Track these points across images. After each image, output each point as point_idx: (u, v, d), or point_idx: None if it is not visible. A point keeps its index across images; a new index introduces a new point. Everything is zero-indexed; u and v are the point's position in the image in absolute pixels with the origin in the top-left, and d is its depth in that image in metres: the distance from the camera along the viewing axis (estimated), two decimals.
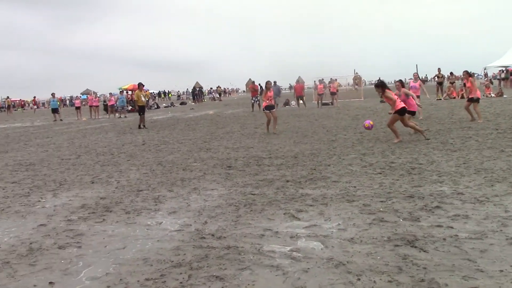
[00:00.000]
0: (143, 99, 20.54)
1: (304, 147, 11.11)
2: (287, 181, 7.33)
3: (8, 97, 62.54)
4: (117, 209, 6.24)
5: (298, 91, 31.36)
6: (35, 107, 64.13)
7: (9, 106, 57.83)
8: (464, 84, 17.17)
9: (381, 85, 11.46)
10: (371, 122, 11.78)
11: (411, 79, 16.88)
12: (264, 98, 15.22)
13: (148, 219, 5.65)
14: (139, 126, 19.95)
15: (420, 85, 17.25)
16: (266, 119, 15.14)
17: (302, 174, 7.79)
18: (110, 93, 37.09)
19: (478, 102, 14.45)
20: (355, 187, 6.66)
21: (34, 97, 68.68)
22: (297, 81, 34.49)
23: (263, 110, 15.37)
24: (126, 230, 5.26)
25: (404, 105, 10.99)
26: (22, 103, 73.54)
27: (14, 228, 5.62)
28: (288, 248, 4.36)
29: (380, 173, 7.48)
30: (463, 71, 15.84)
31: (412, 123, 11.40)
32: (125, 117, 31.19)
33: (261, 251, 4.34)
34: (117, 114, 32.81)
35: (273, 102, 15.58)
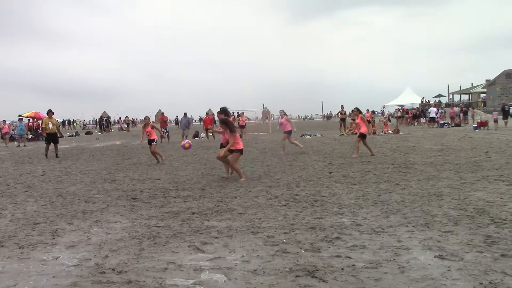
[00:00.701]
0: (50, 126, 19.36)
1: (211, 179, 11.12)
2: (193, 213, 7.28)
3: None
4: (9, 243, 5.84)
5: (207, 123, 31.49)
6: None
7: None
8: (353, 119, 18.40)
9: (223, 112, 11.62)
10: (190, 142, 13.78)
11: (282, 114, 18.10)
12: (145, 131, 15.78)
13: (44, 254, 5.35)
14: (46, 154, 19.19)
15: (288, 121, 18.26)
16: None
17: (209, 206, 7.78)
18: (4, 120, 34.65)
19: (365, 138, 15.42)
20: (260, 219, 6.75)
21: None
22: (207, 113, 34.57)
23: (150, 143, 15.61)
24: (18, 266, 4.93)
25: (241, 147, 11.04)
26: None
27: None
28: (191, 281, 4.31)
29: (285, 205, 7.65)
30: (354, 108, 17.02)
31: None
32: (25, 145, 29.54)
33: (163, 285, 4.24)
34: (15, 143, 31.01)
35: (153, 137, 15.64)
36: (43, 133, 18.99)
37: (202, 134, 33.48)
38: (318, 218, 6.63)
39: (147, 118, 16.13)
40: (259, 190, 9.29)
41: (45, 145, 19.57)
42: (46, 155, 19.24)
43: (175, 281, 4.32)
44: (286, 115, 18.61)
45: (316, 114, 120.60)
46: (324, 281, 4.20)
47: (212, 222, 6.66)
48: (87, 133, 52.56)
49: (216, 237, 5.81)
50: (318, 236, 5.67)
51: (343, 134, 30.19)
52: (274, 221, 6.57)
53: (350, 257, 4.83)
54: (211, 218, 6.89)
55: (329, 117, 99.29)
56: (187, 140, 12.38)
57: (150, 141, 15.46)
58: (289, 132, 17.76)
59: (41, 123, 23.23)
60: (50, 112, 19.80)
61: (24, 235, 6.22)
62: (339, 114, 33.38)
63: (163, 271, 4.61)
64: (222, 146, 11.84)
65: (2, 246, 5.71)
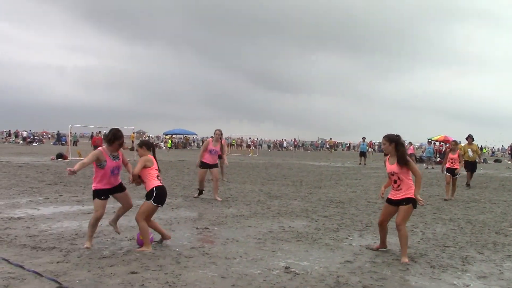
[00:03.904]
0: (470, 154, 16.87)
1: None
2: None
3: (330, 138, 69.87)
4: (421, 260, 6.09)
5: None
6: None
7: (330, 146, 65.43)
8: None
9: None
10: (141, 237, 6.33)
11: None
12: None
13: (454, 279, 5.33)
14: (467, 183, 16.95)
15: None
16: None
17: None
18: (410, 142, 36.17)
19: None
20: None
21: (330, 138, 74.07)
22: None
23: None
24: (429, 284, 5.07)
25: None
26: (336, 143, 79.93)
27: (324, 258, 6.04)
28: None
29: None
30: None
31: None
32: (432, 168, 30.46)
33: None
34: (424, 165, 32.41)
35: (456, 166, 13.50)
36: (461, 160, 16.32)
37: None
38: None
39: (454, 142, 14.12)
40: None
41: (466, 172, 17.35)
42: (467, 184, 17.00)
43: None
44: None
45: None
46: None
47: None
48: (496, 160, 50.21)
49: None
50: None
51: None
52: None
53: None
54: None
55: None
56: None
57: None
58: None
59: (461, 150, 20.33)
60: (470, 138, 17.19)
61: (435, 256, 6.36)
62: None
63: None
64: None
65: (415, 262, 6.00)
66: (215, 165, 11.41)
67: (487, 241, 7.49)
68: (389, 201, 6.32)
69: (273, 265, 5.60)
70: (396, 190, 6.22)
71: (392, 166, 6.21)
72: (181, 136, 64.95)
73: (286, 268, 5.49)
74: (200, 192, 11.51)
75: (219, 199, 11.11)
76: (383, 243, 6.59)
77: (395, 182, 6.20)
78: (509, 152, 57.42)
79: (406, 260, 5.93)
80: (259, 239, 7.05)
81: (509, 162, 48.61)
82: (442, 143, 41.82)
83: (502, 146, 79.10)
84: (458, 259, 6.25)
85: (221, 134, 11.52)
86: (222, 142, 11.63)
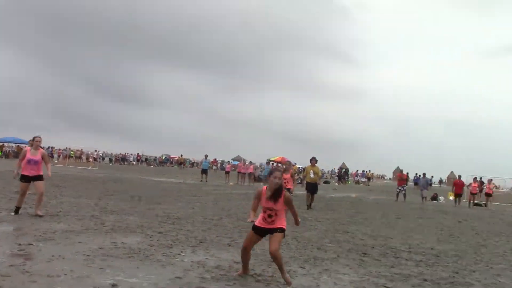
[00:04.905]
0: (311, 175, 17.76)
1: (447, 246, 10.39)
2: (425, 280, 6.89)
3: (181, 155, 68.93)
4: (248, 275, 6.36)
5: (458, 187, 28.97)
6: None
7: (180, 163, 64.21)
8: None
9: None
10: None
11: None
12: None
13: None
14: (307, 205, 17.26)
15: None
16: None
17: (442, 276, 7.27)
18: (250, 162, 38.10)
19: None
20: None
21: (181, 155, 73.89)
22: (459, 177, 31.25)
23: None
24: None
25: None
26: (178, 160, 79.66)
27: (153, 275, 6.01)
28: None
29: None
30: None
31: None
32: None
33: None
34: (261, 183, 33.99)
35: (289, 186, 13.88)
36: (303, 181, 17.45)
37: (442, 198, 31.68)
38: None
39: (287, 162, 14.23)
40: (503, 268, 8.32)
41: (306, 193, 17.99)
42: (308, 205, 17.31)
43: None
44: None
45: None
46: None
47: None
48: (325, 182, 54.46)
49: None
50: None
51: None
52: None
53: None
54: None
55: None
56: None
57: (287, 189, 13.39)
58: None
59: (303, 171, 21.13)
60: (313, 160, 18.09)
61: (261, 271, 6.70)
62: None
63: None
64: None
65: (242, 277, 6.25)
66: (38, 177, 10.42)
67: (309, 256, 8.10)
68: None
69: (99, 283, 5.42)
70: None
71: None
72: (13, 145, 59.85)
73: (113, 285, 5.36)
74: (17, 210, 10.25)
75: (41, 214, 10.17)
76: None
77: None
78: (337, 174, 62.75)
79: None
80: (88, 255, 6.77)
81: (336, 184, 53.16)
82: (279, 164, 44.31)
83: (334, 168, 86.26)
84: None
85: (41, 141, 10.52)
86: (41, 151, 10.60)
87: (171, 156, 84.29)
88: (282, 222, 6.11)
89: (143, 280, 5.70)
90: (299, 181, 32.51)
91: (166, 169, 60.06)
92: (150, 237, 8.65)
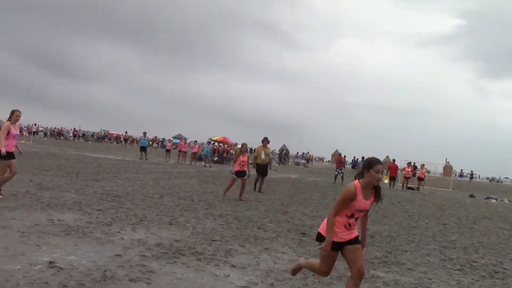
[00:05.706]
0: (262, 156, 17.01)
1: (381, 228, 10.81)
2: None
3: (126, 132, 66.27)
4: (189, 253, 6.38)
5: (392, 171, 29.91)
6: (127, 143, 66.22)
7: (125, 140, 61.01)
8: None
9: None
10: None
11: None
12: (236, 162, 14.11)
13: (217, 270, 5.73)
14: (254, 187, 17.01)
15: None
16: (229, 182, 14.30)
17: (376, 255, 7.58)
18: (195, 141, 39.27)
19: None
20: (430, 279, 6.38)
21: (126, 132, 71.92)
22: (393, 161, 32.31)
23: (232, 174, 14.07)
24: (194, 276, 5.36)
25: None
26: (117, 136, 77.62)
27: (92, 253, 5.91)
28: None
29: (459, 270, 7.12)
30: None
31: None
32: (210, 166, 32.07)
33: None
34: (202, 163, 33.90)
35: (245, 169, 13.96)
36: (254, 162, 16.60)
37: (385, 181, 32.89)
38: None
39: (244, 145, 14.73)
40: (432, 248, 8.77)
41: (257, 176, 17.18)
42: (255, 188, 17.03)
43: None
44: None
45: (506, 177, 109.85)
46: None
47: (378, 272, 6.48)
48: None
49: None
50: None
51: None
52: (446, 285, 6.14)
53: None
54: (377, 268, 6.70)
55: None
56: None
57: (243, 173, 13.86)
58: None
59: (253, 152, 19.35)
60: (265, 141, 17.26)
61: (202, 249, 6.73)
62: None
63: None
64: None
65: (183, 255, 6.26)
66: (13, 155, 9.61)
67: (250, 235, 8.21)
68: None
69: (36, 260, 5.27)
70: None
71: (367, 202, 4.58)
72: None
73: (50, 263, 5.22)
74: None
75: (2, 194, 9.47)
76: None
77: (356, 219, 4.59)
78: (278, 155, 63.51)
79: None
80: (23, 232, 6.55)
81: (277, 165, 53.82)
82: (220, 144, 44.29)
83: (274, 150, 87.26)
84: (223, 251, 6.72)
85: (20, 115, 9.69)
86: None
87: (110, 132, 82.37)
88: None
89: (81, 258, 5.58)
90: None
91: (104, 145, 58.68)
92: (89, 215, 8.46)
